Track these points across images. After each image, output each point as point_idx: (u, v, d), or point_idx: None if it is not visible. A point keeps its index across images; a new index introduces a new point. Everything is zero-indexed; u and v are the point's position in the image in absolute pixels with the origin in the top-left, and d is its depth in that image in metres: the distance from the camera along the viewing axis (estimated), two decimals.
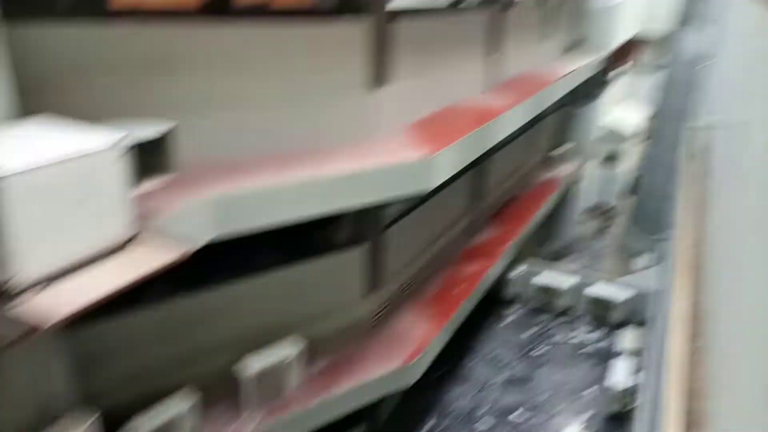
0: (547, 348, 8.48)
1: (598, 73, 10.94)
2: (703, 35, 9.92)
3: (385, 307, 5.76)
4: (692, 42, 10.28)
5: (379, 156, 4.27)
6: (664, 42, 11.97)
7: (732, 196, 3.94)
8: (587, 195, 13.21)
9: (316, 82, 4.16)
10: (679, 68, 10.68)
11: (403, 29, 4.86)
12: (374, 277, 5.46)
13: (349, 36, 4.29)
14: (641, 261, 10.92)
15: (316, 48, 4.12)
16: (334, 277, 5.08)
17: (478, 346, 8.42)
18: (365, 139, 4.49)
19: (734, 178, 4.02)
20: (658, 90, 11.74)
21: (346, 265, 5.15)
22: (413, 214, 6.13)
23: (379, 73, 4.57)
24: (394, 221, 5.75)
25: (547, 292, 9.23)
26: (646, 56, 13.86)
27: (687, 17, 10.55)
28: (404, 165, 4.27)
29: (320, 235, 4.99)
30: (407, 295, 6.29)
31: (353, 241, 5.14)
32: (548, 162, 11.38)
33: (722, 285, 3.56)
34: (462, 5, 6.08)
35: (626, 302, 8.84)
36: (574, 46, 10.60)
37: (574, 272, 9.67)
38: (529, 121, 7.15)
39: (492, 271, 7.57)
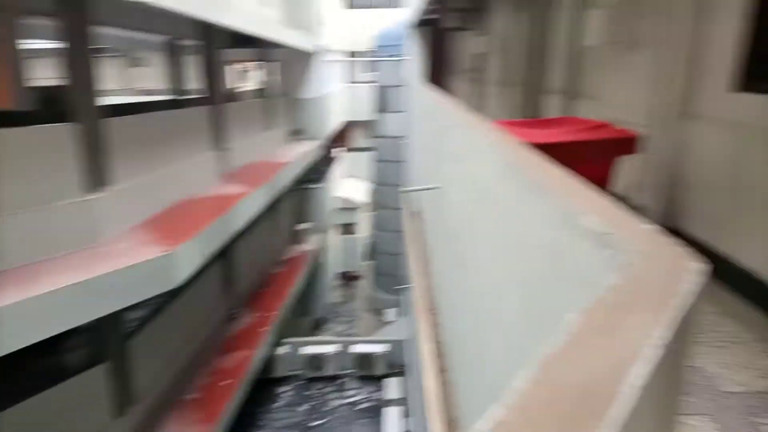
0: (325, 416, 8.58)
1: (322, 155, 12.11)
2: (398, 118, 11.95)
3: (142, 424, 5.13)
4: (391, 124, 12.28)
5: (111, 261, 3.94)
6: (370, 125, 14.01)
7: (441, 246, 4.77)
8: (334, 263, 14.18)
9: (20, 191, 3.68)
10: (385, 146, 12.58)
11: (120, 128, 4.69)
12: (124, 395, 4.85)
13: (56, 139, 3.95)
14: (390, 315, 12.07)
15: (17, 154, 3.68)
16: (74, 406, 4.35)
17: None
18: (90, 246, 4.11)
19: (440, 231, 4.89)
20: (374, 164, 13.54)
21: (85, 389, 4.47)
22: (162, 316, 5.71)
23: (97, 175, 4.28)
24: (140, 327, 5.27)
25: (315, 361, 9.45)
26: (359, 138, 15.98)
27: (383, 105, 12.60)
28: (141, 266, 4.02)
29: (49, 362, 4.26)
30: (169, 402, 5.72)
31: (92, 361, 4.52)
32: (295, 239, 11.92)
33: (450, 322, 4.22)
34: (182, 99, 6.17)
35: (386, 355, 9.60)
36: (297, 133, 11.60)
37: (336, 337, 10.14)
38: (269, 204, 7.48)
39: (257, 356, 7.44)
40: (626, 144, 3.88)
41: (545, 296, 1.72)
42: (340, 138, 13.85)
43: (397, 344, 9.51)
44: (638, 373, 0.81)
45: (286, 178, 8.65)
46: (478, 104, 11.46)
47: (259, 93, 10.62)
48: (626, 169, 4.38)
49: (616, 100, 5.39)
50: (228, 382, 6.54)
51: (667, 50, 4.30)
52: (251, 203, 6.52)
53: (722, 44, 3.78)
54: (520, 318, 1.97)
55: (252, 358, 7.21)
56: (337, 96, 13.54)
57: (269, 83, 10.63)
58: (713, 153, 3.91)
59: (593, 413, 0.72)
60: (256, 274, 9.21)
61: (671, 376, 1.03)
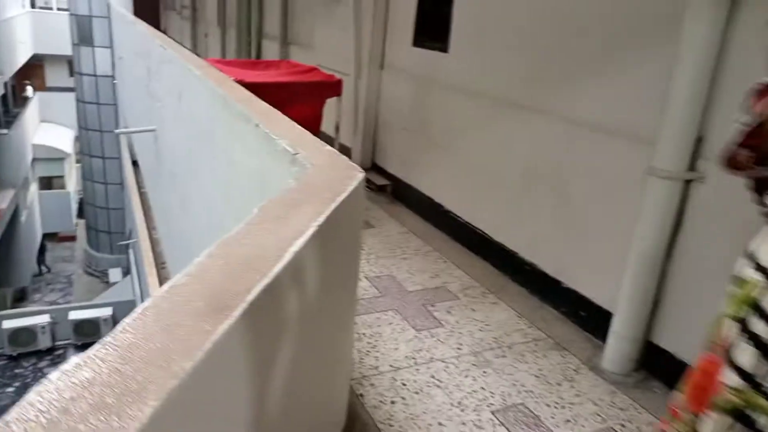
0: None
1: (4, 93, 10.04)
2: (106, 54, 10.58)
3: None
4: (97, 60, 10.78)
5: None
6: (71, 61, 12.04)
7: (164, 191, 4.61)
8: (40, 223, 12.18)
9: None
10: (91, 85, 11.02)
11: None
12: None
13: None
14: (114, 275, 11.08)
15: None
16: None
17: None
18: None
19: (161, 176, 4.70)
20: (79, 106, 11.80)
21: None
22: None
23: None
24: None
25: (23, 335, 8.22)
26: (56, 76, 13.59)
27: (84, 38, 10.88)
28: None
29: None
30: None
31: None
32: None
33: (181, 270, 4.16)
34: None
35: (113, 317, 8.88)
36: None
37: (49, 306, 8.93)
38: None
39: None
40: (331, 87, 4.33)
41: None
42: (29, 74, 11.58)
43: (125, 305, 8.88)
44: (298, 244, 1.07)
45: None
46: (195, 44, 10.94)
47: None
48: (334, 113, 4.90)
49: (325, 49, 5.87)
50: None
51: (366, 7, 4.87)
52: None
53: (407, 6, 4.48)
54: None
55: None
56: (21, 23, 11.18)
57: None
58: (400, 99, 4.68)
59: (255, 270, 0.94)
60: None
61: (330, 248, 1.34)
